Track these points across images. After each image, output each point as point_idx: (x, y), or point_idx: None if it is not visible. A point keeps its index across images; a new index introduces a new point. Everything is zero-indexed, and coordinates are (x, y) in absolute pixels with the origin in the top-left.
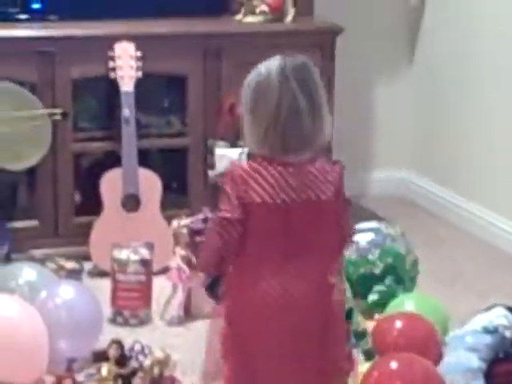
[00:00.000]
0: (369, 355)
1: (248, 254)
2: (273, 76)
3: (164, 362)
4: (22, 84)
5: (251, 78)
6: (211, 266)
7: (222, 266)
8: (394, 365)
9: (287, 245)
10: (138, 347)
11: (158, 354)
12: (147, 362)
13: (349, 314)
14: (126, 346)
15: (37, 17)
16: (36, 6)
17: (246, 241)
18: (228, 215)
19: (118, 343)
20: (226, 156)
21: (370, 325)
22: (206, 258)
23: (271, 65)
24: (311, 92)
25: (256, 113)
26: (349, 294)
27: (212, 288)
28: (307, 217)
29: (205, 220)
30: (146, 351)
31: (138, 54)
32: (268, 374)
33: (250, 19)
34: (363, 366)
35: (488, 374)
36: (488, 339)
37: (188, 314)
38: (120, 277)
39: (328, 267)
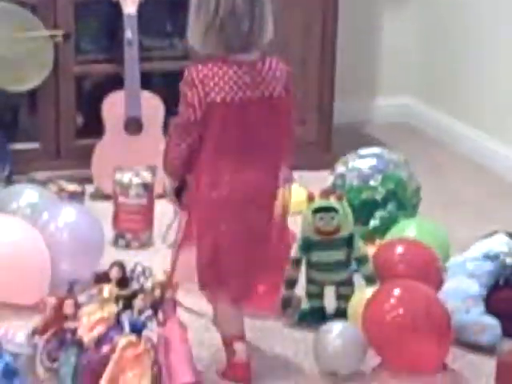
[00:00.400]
0: (370, 280)
1: (208, 152)
2: None
3: (165, 285)
4: (22, 4)
5: None
6: (178, 169)
7: (187, 167)
8: (396, 291)
9: (244, 140)
10: (139, 269)
11: (160, 277)
12: (148, 284)
13: (350, 240)
14: (128, 268)
15: None
16: None
17: (206, 139)
18: (187, 118)
19: (120, 265)
20: None
21: (371, 250)
22: (171, 161)
23: None
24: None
25: (198, 13)
26: (350, 219)
27: (177, 194)
28: (261, 112)
29: None
30: (147, 273)
31: None
32: (230, 249)
33: None
34: (365, 291)
35: (488, 300)
36: (489, 266)
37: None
38: (122, 200)
39: (278, 159)
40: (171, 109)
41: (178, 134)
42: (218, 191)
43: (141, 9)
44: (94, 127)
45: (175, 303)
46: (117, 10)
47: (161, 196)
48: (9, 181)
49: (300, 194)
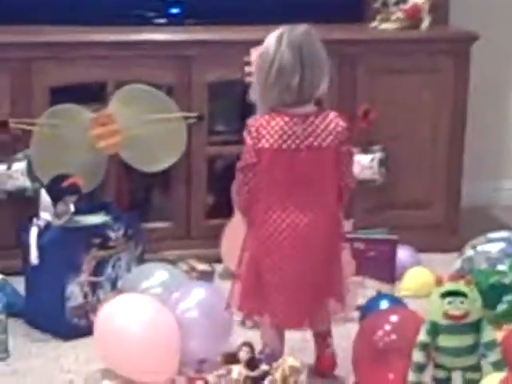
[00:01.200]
0: (498, 366)
1: (261, 194)
2: (271, 46)
3: (298, 369)
4: (158, 87)
5: (266, 51)
6: (246, 207)
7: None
8: None
9: (292, 183)
10: (268, 351)
11: (292, 362)
12: (279, 367)
13: (478, 325)
14: (256, 349)
15: (175, 21)
16: (174, 10)
17: (259, 181)
18: (246, 162)
19: (249, 346)
20: (359, 162)
21: (499, 335)
22: (240, 202)
23: (271, 36)
24: (311, 61)
25: (258, 76)
26: (479, 304)
27: None
28: (309, 160)
29: None
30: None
31: None
32: (275, 289)
33: (385, 26)
34: (493, 377)
35: None
36: None
37: None
38: None
39: (330, 203)
40: None
41: (241, 177)
42: (265, 228)
43: None
44: (224, 207)
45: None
46: (248, 91)
47: None
48: (141, 259)
49: (427, 276)
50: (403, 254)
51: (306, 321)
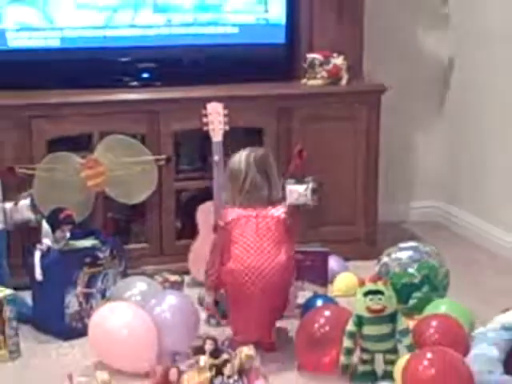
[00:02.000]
0: (411, 348)
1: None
2: (241, 164)
3: (252, 356)
4: (134, 136)
5: (230, 163)
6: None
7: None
8: (429, 356)
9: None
10: (226, 343)
11: (247, 351)
12: (237, 355)
13: (394, 316)
14: (219, 342)
15: (145, 84)
16: (145, 75)
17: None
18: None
19: (213, 339)
20: (295, 191)
21: (410, 324)
22: (210, 277)
23: (241, 156)
24: (267, 172)
25: (232, 184)
26: (394, 300)
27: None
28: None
29: None
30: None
31: (225, 111)
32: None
33: (312, 82)
34: (405, 360)
35: (506, 363)
36: (506, 335)
37: None
38: None
39: (279, 252)
40: None
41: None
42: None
43: (225, 136)
44: (190, 230)
45: (257, 370)
46: (206, 137)
47: None
48: (124, 274)
49: (352, 279)
50: (333, 262)
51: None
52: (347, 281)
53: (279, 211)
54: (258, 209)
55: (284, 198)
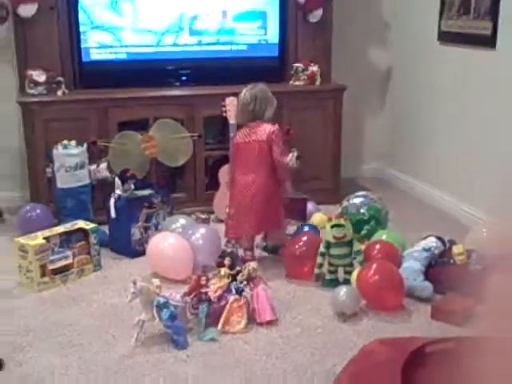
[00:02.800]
0: (362, 263)
1: (232, 168)
2: (246, 94)
3: (256, 269)
4: (177, 120)
5: (241, 94)
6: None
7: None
8: (374, 267)
9: (246, 161)
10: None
11: (253, 264)
12: (246, 267)
13: (351, 242)
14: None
15: (184, 83)
16: (184, 78)
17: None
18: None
19: (230, 256)
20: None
21: (362, 247)
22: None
23: (246, 89)
24: (260, 99)
25: (242, 108)
26: (351, 231)
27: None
28: (254, 147)
29: None
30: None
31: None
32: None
33: (297, 83)
34: (358, 270)
35: (426, 273)
36: (425, 254)
37: (265, 240)
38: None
39: (267, 170)
40: None
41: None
42: (234, 184)
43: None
44: (214, 184)
45: (260, 277)
46: (225, 120)
47: None
48: (170, 213)
49: (323, 217)
50: (310, 205)
51: (253, 231)
52: (319, 218)
53: (269, 127)
54: (257, 126)
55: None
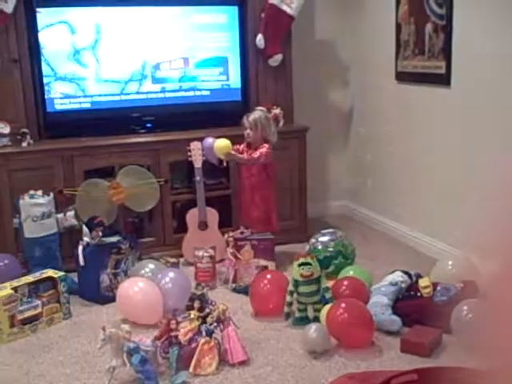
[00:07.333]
0: (331, 300)
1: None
2: (259, 115)
3: (226, 310)
4: (142, 166)
5: (252, 116)
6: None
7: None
8: (343, 305)
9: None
10: (209, 301)
11: (222, 306)
12: (215, 309)
13: (319, 279)
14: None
15: (149, 130)
16: (149, 125)
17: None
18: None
19: (200, 298)
20: None
21: (330, 283)
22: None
23: (253, 113)
24: (256, 122)
25: (259, 127)
26: (318, 268)
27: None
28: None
29: (241, 233)
30: (213, 303)
31: (202, 148)
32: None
33: None
34: (328, 307)
35: (393, 307)
36: (392, 288)
37: (235, 282)
38: (199, 265)
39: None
40: (221, 215)
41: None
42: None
43: (203, 164)
44: (182, 227)
45: (229, 318)
46: (191, 165)
47: (220, 260)
48: (140, 258)
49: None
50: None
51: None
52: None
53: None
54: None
55: None
